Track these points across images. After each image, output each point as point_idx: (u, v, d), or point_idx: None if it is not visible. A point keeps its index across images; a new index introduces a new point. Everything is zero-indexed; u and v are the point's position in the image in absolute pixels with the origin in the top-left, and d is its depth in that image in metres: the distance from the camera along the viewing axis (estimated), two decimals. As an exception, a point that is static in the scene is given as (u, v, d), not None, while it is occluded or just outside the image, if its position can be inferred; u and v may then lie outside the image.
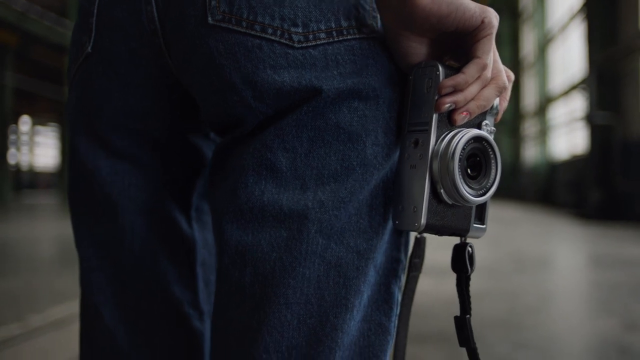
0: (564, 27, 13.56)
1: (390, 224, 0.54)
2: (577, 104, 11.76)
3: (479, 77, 0.50)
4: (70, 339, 2.58)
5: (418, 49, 0.50)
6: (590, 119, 9.57)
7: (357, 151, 0.51)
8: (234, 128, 0.54)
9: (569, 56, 13.22)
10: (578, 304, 3.44)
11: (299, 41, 0.50)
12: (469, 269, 0.53)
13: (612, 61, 9.34)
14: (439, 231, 0.51)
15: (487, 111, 0.53)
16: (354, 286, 0.51)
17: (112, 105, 0.60)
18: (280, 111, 0.51)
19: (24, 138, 34.23)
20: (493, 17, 0.49)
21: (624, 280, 3.96)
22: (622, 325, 2.71)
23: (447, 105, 0.49)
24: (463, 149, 0.49)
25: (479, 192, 0.51)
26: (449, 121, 0.50)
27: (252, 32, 0.50)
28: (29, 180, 33.34)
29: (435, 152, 0.49)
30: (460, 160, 0.49)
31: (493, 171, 0.52)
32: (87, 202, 0.64)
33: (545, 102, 15.24)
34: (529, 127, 17.19)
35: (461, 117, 0.50)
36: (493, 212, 12.03)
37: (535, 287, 3.85)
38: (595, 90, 9.52)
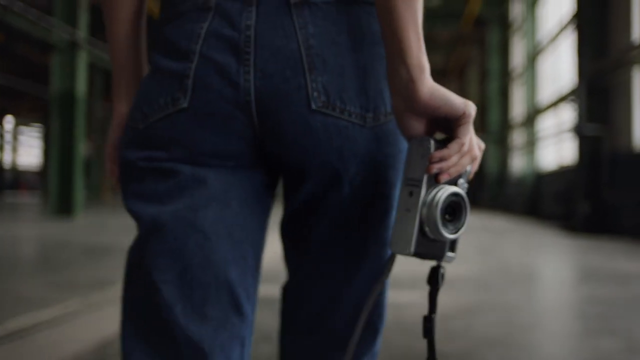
0: (554, 38, 13.55)
1: None
2: (566, 115, 11.71)
3: (458, 151, 0.69)
4: (31, 350, 2.37)
5: (417, 126, 0.70)
6: (579, 130, 9.50)
7: (393, 191, 0.79)
8: (317, 180, 0.77)
9: (559, 67, 13.21)
10: (575, 321, 3.28)
11: (369, 122, 0.75)
12: (439, 284, 0.74)
13: (602, 73, 9.29)
14: (422, 257, 0.71)
15: (462, 173, 0.73)
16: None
17: (201, 148, 0.75)
18: (353, 171, 0.76)
19: (7, 137, 33.69)
20: (472, 109, 0.69)
21: (620, 296, 3.82)
22: (626, 347, 2.56)
23: (435, 170, 0.69)
24: (444, 201, 0.68)
25: (452, 232, 0.70)
26: (434, 179, 0.69)
27: (342, 117, 0.74)
28: (11, 180, 32.85)
29: (424, 202, 0.68)
30: (441, 209, 0.68)
31: (463, 216, 0.71)
32: (160, 193, 0.75)
33: (534, 113, 15.22)
34: (517, 138, 17.18)
35: (444, 178, 0.69)
36: (481, 222, 11.98)
37: (528, 302, 3.70)
38: (585, 102, 9.45)
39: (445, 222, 0.69)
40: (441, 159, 0.68)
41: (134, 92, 0.86)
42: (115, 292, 3.65)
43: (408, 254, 0.68)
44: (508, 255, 6.36)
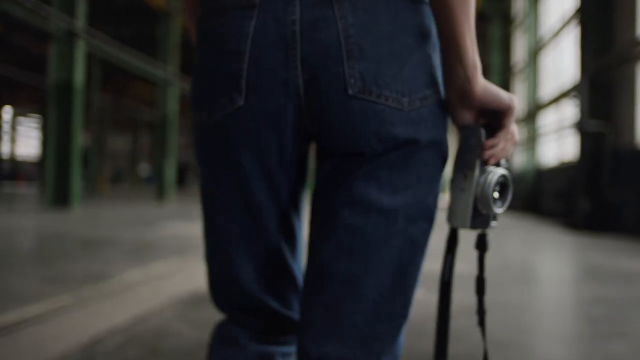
0: (556, 34, 13.43)
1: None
2: (568, 111, 11.61)
3: (505, 139, 0.81)
4: (15, 348, 2.29)
5: (467, 116, 0.82)
6: (581, 126, 9.40)
7: (426, 172, 0.82)
8: (352, 156, 0.81)
9: (561, 63, 13.09)
10: (580, 322, 3.20)
11: (406, 106, 0.79)
12: (487, 248, 0.86)
13: (605, 69, 9.19)
14: (475, 228, 0.83)
15: None
16: (420, 249, 0.84)
17: (258, 141, 0.82)
18: (389, 149, 0.80)
19: (5, 128, 33.56)
20: (516, 102, 0.81)
21: (626, 296, 3.74)
22: (632, 349, 2.47)
23: (487, 157, 0.80)
24: (495, 182, 0.81)
25: (500, 207, 0.83)
26: (484, 162, 0.81)
27: (379, 101, 0.78)
28: (9, 170, 32.77)
29: (477, 183, 0.81)
30: (493, 189, 0.80)
31: (508, 193, 0.84)
32: (238, 206, 0.87)
33: (535, 108, 15.12)
34: (518, 133, 17.06)
35: (492, 161, 0.81)
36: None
37: (532, 302, 3.62)
38: (587, 98, 9.35)
39: (494, 200, 0.81)
40: (491, 147, 0.79)
41: None
42: (109, 287, 3.56)
43: (465, 228, 0.81)
44: (510, 252, 6.28)
